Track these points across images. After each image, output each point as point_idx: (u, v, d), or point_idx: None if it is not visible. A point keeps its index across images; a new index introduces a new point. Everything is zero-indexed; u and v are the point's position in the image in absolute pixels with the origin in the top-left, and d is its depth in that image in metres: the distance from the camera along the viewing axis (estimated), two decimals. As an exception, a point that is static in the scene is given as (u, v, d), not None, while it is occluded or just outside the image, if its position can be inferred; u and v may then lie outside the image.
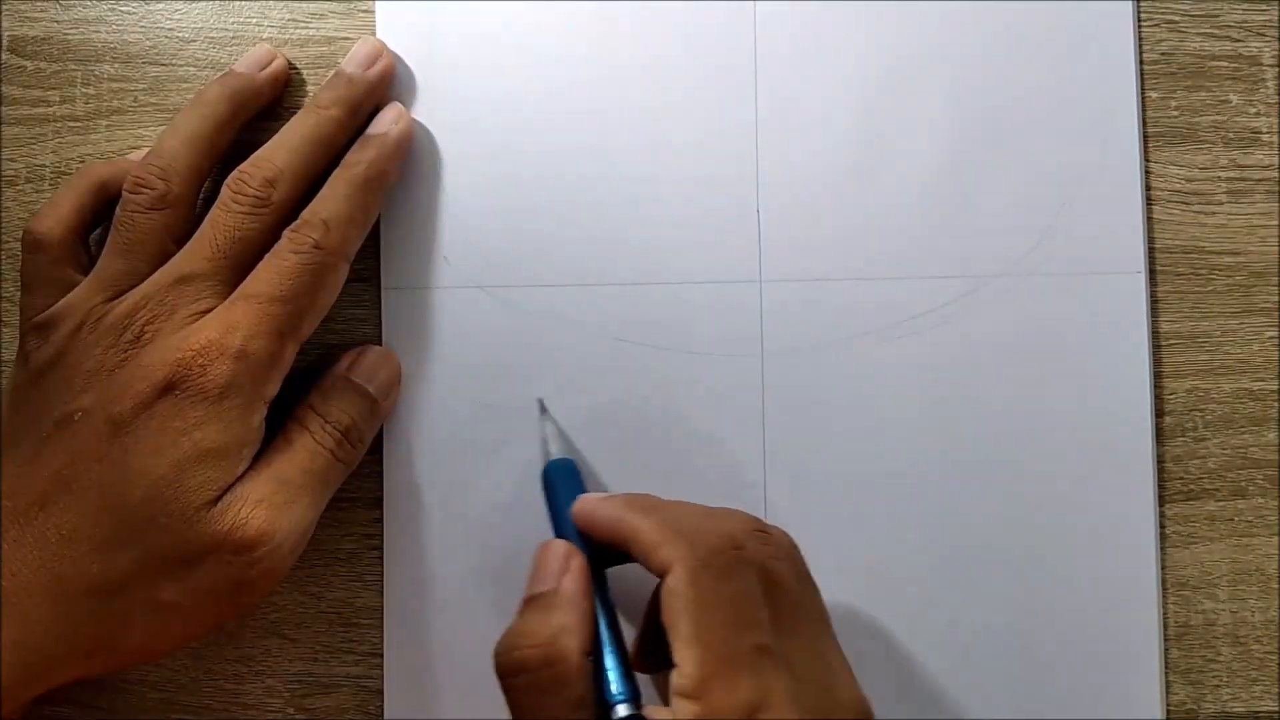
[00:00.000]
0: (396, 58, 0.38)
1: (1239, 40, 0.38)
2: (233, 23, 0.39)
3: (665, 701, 0.30)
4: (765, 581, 0.30)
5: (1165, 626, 0.37)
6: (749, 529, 0.31)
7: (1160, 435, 0.38)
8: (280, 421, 0.34)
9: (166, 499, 0.31)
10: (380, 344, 0.37)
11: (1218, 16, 0.38)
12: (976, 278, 0.38)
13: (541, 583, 0.32)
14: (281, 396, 0.34)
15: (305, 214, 0.34)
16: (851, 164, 0.38)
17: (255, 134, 0.37)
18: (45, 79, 0.38)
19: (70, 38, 0.39)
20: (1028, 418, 0.37)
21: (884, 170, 0.38)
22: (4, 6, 0.39)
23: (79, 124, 0.38)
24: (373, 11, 0.38)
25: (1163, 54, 0.38)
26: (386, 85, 0.37)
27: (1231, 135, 0.38)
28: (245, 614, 0.37)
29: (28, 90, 0.38)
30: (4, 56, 0.39)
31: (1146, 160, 0.38)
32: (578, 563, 0.32)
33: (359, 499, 0.37)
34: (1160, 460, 0.38)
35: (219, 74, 0.37)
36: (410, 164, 0.38)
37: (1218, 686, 0.37)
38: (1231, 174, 0.38)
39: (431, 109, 0.38)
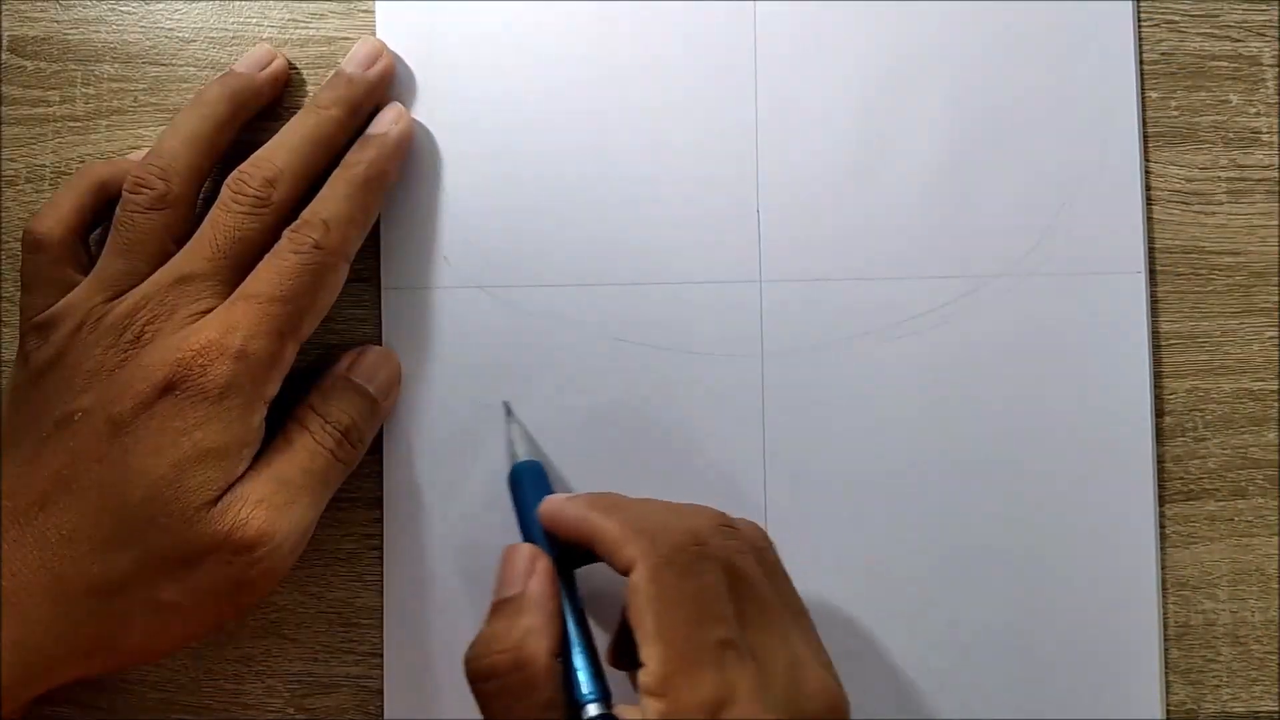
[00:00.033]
0: (396, 58, 0.38)
1: (1239, 40, 0.38)
2: (233, 23, 0.39)
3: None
4: (730, 576, 0.30)
5: (1165, 626, 0.37)
6: (713, 525, 0.31)
7: (1160, 435, 0.38)
8: (280, 421, 0.34)
9: (166, 499, 0.31)
10: (380, 344, 0.37)
11: (1218, 16, 0.38)
12: (976, 278, 0.38)
13: (508, 587, 0.32)
14: (281, 396, 0.34)
15: (305, 214, 0.34)
16: (851, 164, 0.38)
17: (255, 134, 0.37)
18: (45, 79, 0.38)
19: (70, 38, 0.39)
20: (1028, 418, 0.37)
21: (884, 170, 0.38)
22: (4, 6, 0.39)
23: (79, 124, 0.38)
24: (373, 11, 0.38)
25: (1163, 54, 0.38)
26: (386, 85, 0.37)
27: (1231, 135, 0.38)
28: (245, 614, 0.37)
29: (28, 90, 0.38)
30: (4, 56, 0.39)
31: (1146, 160, 0.38)
32: (543, 565, 0.32)
33: (359, 499, 0.37)
34: (1160, 460, 0.38)
35: (219, 74, 0.37)
36: (410, 164, 0.38)
37: (1218, 686, 0.37)
38: (1231, 174, 0.38)
39: (431, 109, 0.38)
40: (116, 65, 0.38)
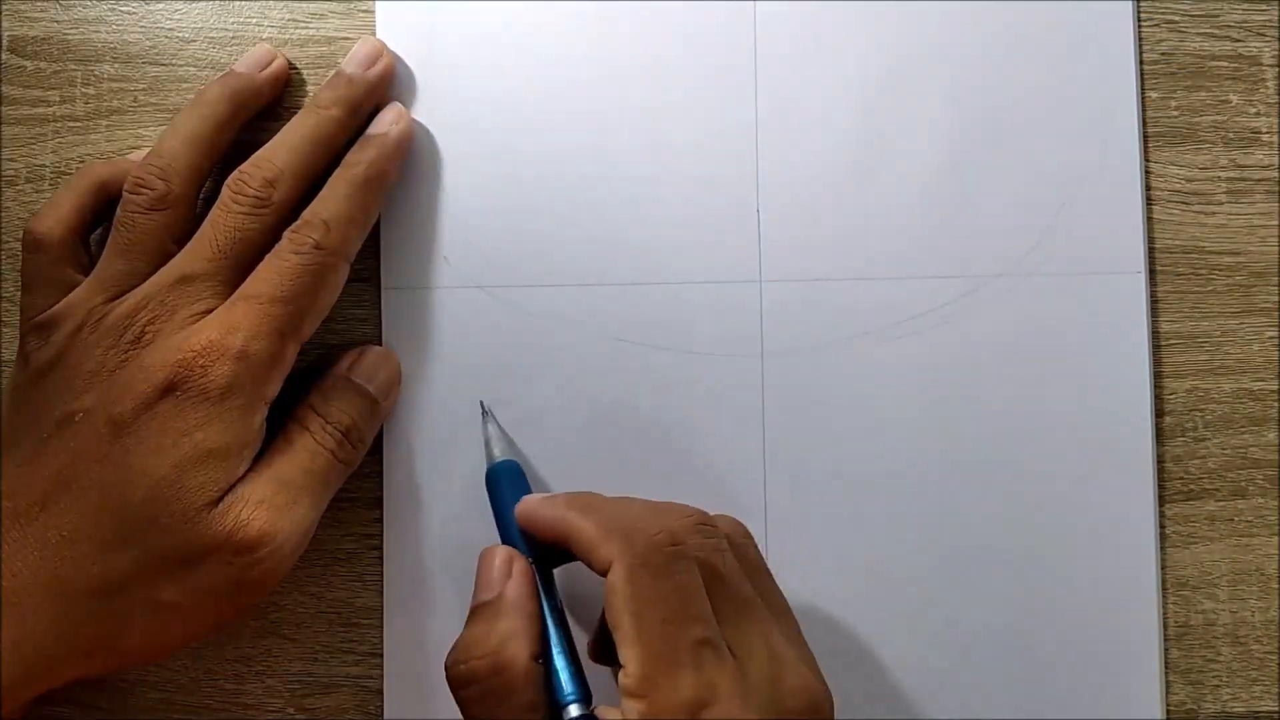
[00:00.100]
0: (396, 58, 0.38)
1: (1239, 40, 0.38)
2: (233, 23, 0.39)
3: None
4: (707, 575, 0.30)
5: (1165, 626, 0.37)
6: (691, 523, 0.31)
7: (1160, 435, 0.38)
8: (281, 422, 0.34)
9: (167, 499, 0.31)
10: (380, 344, 0.37)
11: (1218, 16, 0.38)
12: (976, 278, 0.38)
13: (485, 590, 0.32)
14: (282, 397, 0.34)
15: (306, 214, 0.34)
16: (851, 164, 0.38)
17: (255, 134, 0.37)
18: (45, 79, 0.38)
19: (70, 38, 0.39)
20: (1028, 418, 0.37)
21: (884, 170, 0.38)
22: (4, 6, 0.39)
23: (79, 124, 0.38)
24: (373, 11, 0.38)
25: (1163, 54, 0.38)
26: (386, 85, 0.37)
27: (1231, 135, 0.38)
28: (246, 614, 0.37)
29: (28, 90, 0.38)
30: (4, 56, 0.39)
31: (1146, 160, 0.38)
32: (520, 567, 0.32)
33: (359, 499, 0.37)
34: (1160, 460, 0.38)
35: (219, 74, 0.37)
36: (410, 164, 0.38)
37: (1218, 686, 0.37)
38: (1231, 174, 0.38)
39: (431, 109, 0.38)
40: (116, 65, 0.38)
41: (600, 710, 0.30)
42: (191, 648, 0.37)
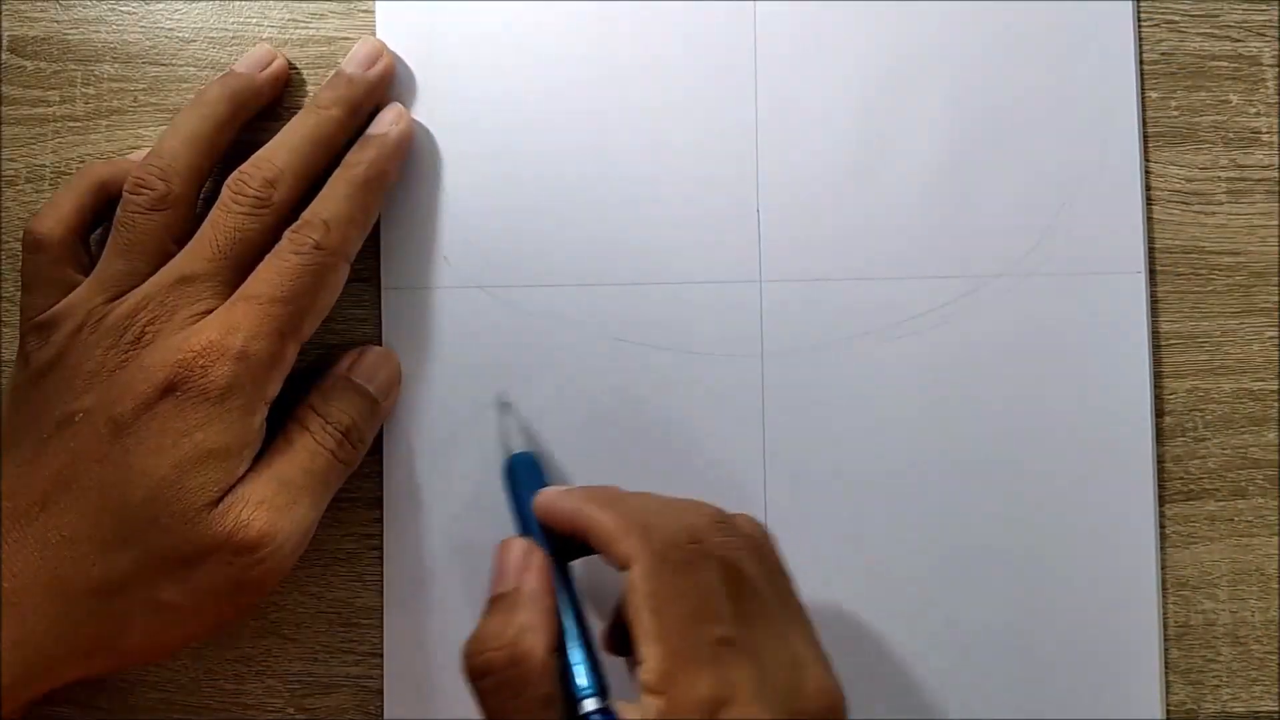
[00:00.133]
0: (396, 58, 0.38)
1: (1239, 40, 0.38)
2: (233, 23, 0.39)
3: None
4: (727, 573, 0.30)
5: (1165, 626, 0.37)
6: (710, 521, 0.31)
7: (1160, 435, 0.38)
8: (281, 422, 0.34)
9: (168, 500, 0.31)
10: (380, 344, 0.37)
11: (1218, 16, 0.38)
12: (976, 278, 0.38)
13: (503, 582, 0.32)
14: (282, 397, 0.34)
15: (306, 214, 0.34)
16: (851, 164, 0.38)
17: (255, 134, 0.37)
18: (45, 79, 0.38)
19: (70, 38, 0.39)
20: (1028, 418, 0.37)
21: (884, 170, 0.38)
22: (4, 6, 0.39)
23: (79, 124, 0.38)
24: (373, 11, 0.38)
25: (1163, 54, 0.38)
26: (386, 85, 0.37)
27: (1231, 135, 0.38)
28: (246, 614, 0.37)
29: (28, 90, 0.38)
30: (4, 56, 0.39)
31: (1146, 160, 0.38)
32: (538, 559, 0.32)
33: (359, 499, 0.37)
34: (1160, 460, 0.38)
35: (219, 74, 0.37)
36: (410, 164, 0.38)
37: (1218, 686, 0.37)
38: (1231, 174, 0.38)
39: (431, 109, 0.38)
40: (116, 65, 0.38)
41: (616, 705, 0.30)
42: (191, 648, 0.37)
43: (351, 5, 0.38)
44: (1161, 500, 0.37)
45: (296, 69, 0.38)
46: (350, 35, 0.38)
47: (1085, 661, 0.37)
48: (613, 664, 0.32)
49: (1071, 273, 0.38)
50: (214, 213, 0.34)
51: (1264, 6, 0.38)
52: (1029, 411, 0.37)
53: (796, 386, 0.37)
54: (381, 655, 0.37)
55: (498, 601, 0.32)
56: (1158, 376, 0.38)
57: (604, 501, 0.32)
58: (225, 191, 0.34)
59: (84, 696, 0.37)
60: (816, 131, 0.38)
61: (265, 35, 0.38)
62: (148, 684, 0.37)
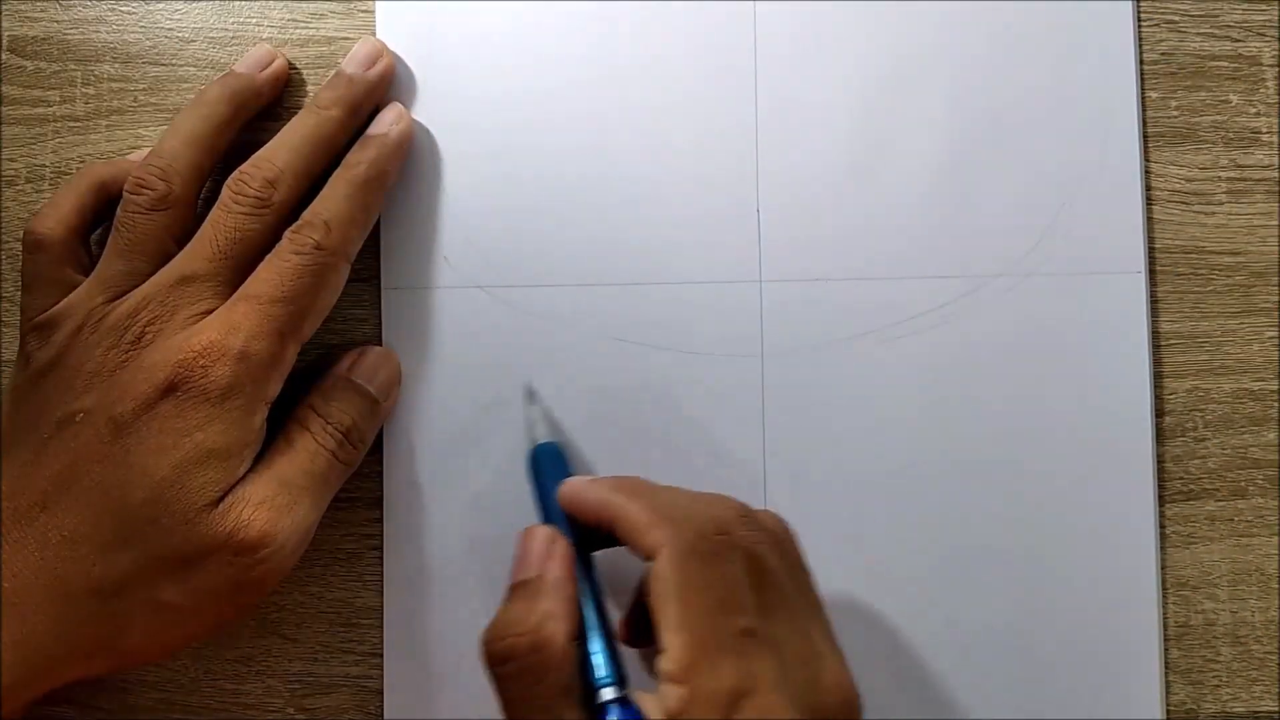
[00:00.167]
0: (396, 58, 0.38)
1: (1239, 40, 0.38)
2: (233, 23, 0.39)
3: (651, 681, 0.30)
4: (752, 567, 0.30)
5: (1165, 626, 0.37)
6: (736, 514, 0.31)
7: (1160, 435, 0.38)
8: (281, 422, 0.34)
9: (168, 500, 0.31)
10: (380, 344, 0.37)
11: (1218, 16, 0.38)
12: (976, 278, 0.38)
13: (526, 569, 0.32)
14: (282, 397, 0.34)
15: (306, 214, 0.34)
16: (851, 164, 0.38)
17: (255, 134, 0.37)
18: (45, 79, 0.38)
19: (70, 38, 0.39)
20: (1028, 418, 0.37)
21: (884, 170, 0.38)
22: (4, 6, 0.39)
23: (79, 124, 0.38)
24: (373, 11, 0.38)
25: (1163, 54, 0.38)
26: (386, 85, 0.37)
27: (1231, 135, 0.38)
28: (246, 614, 0.37)
29: (28, 90, 0.38)
30: (4, 56, 0.39)
31: (1146, 160, 0.38)
32: (561, 548, 0.32)
33: (359, 499, 0.37)
34: (1160, 460, 0.38)
35: (219, 74, 0.37)
36: (410, 164, 0.38)
37: (1218, 686, 0.37)
38: (1231, 174, 0.38)
39: (431, 109, 0.38)
40: (116, 65, 0.38)
41: (635, 694, 0.30)
42: (191, 648, 0.37)
43: (351, 5, 0.38)
44: (1161, 500, 0.37)
45: (296, 69, 0.38)
46: (350, 35, 0.38)
47: (1085, 661, 0.37)
48: (629, 656, 0.32)
49: (1071, 273, 0.38)
50: (214, 213, 0.34)
51: (1264, 6, 0.38)
52: (1029, 411, 0.37)
53: (796, 386, 0.37)
54: (381, 655, 0.37)
55: (520, 588, 0.32)
56: (1158, 376, 0.38)
57: (631, 492, 0.32)
58: (225, 191, 0.34)
59: (84, 696, 0.37)
60: (816, 131, 0.38)
61: (265, 35, 0.38)
62: (148, 684, 0.37)
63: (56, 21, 0.39)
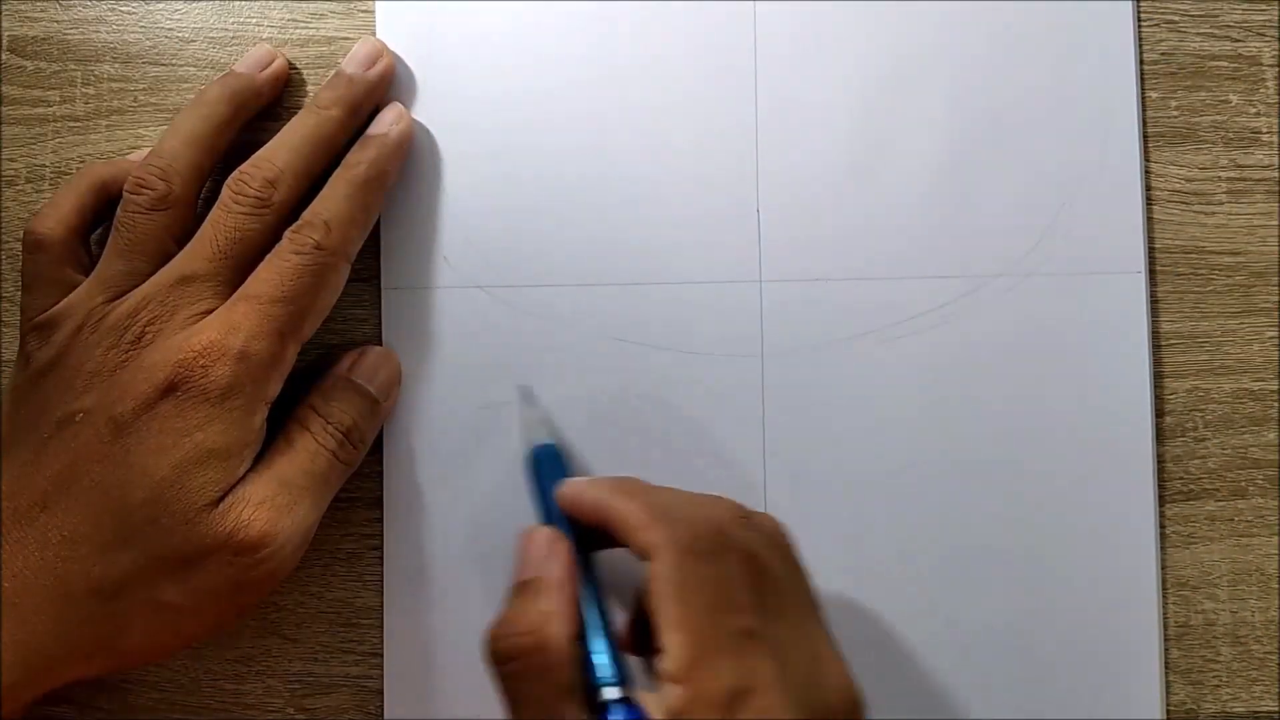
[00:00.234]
0: (396, 58, 0.38)
1: (1239, 40, 0.38)
2: (233, 23, 0.39)
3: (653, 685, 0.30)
4: (750, 567, 0.30)
5: (1165, 626, 0.37)
6: (734, 515, 0.32)
7: (1160, 435, 0.38)
8: (281, 422, 0.34)
9: (168, 500, 0.31)
10: (380, 344, 0.37)
11: (1218, 16, 0.38)
12: (976, 278, 0.38)
13: (526, 570, 0.32)
14: (282, 397, 0.34)
15: (306, 214, 0.34)
16: (851, 164, 0.38)
17: (255, 134, 0.37)
18: (45, 79, 0.38)
19: (70, 38, 0.39)
20: (1028, 418, 0.37)
21: (884, 170, 0.38)
22: (4, 6, 0.39)
23: (79, 124, 0.38)
24: (373, 11, 0.38)
25: (1163, 54, 0.38)
26: (386, 85, 0.37)
27: (1231, 135, 0.38)
28: (246, 614, 0.37)
29: (28, 90, 0.38)
30: (4, 56, 0.39)
31: (1146, 160, 0.38)
32: (561, 548, 0.32)
33: (359, 499, 0.37)
34: (1160, 460, 0.38)
35: (219, 74, 0.37)
36: (410, 164, 0.38)
37: (1218, 686, 0.37)
38: (1231, 174, 0.38)
39: (431, 109, 0.38)
40: (116, 65, 0.38)
41: (637, 694, 0.30)
42: (191, 648, 0.37)
43: (351, 5, 0.38)
44: (1161, 500, 0.37)
45: (296, 69, 0.38)
46: (350, 35, 0.38)
47: (1085, 661, 0.37)
48: (630, 656, 0.32)
49: (1071, 273, 0.38)
50: (214, 213, 0.34)
51: (1264, 6, 0.38)
52: (1029, 411, 0.37)
53: (796, 386, 0.37)
54: (381, 655, 0.37)
55: (522, 588, 0.32)
56: (1158, 376, 0.38)
57: (629, 492, 0.32)
58: (225, 191, 0.34)
59: (84, 696, 0.37)
60: (816, 131, 0.38)
61: (265, 35, 0.38)
62: (148, 684, 0.37)
63: (56, 21, 0.39)
